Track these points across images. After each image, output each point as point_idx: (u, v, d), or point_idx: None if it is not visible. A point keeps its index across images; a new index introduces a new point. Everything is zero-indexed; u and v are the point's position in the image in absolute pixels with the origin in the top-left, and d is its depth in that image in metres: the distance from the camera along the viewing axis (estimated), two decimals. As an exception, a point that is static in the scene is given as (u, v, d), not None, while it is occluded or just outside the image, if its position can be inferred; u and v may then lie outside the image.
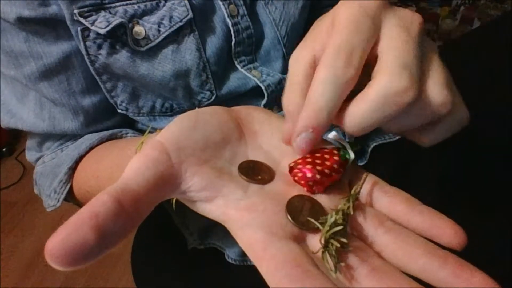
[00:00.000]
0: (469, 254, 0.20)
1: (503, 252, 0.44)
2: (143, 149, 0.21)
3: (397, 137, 0.48)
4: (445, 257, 0.20)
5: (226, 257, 0.50)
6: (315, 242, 0.20)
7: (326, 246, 0.19)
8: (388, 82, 0.20)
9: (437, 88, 0.22)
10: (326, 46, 0.22)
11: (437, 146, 0.25)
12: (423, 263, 0.20)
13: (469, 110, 0.25)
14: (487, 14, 1.43)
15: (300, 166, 0.23)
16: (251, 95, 0.46)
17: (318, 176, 0.23)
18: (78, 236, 0.16)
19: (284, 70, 0.47)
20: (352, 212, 0.21)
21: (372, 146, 0.49)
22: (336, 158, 0.24)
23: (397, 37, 0.22)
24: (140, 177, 0.19)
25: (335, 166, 0.24)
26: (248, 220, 0.20)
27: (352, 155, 0.25)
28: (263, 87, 0.44)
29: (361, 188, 0.23)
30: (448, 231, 0.21)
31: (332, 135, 0.26)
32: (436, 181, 0.51)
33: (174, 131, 0.23)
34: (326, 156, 0.24)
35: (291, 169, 0.24)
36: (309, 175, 0.23)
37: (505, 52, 0.51)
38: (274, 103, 0.46)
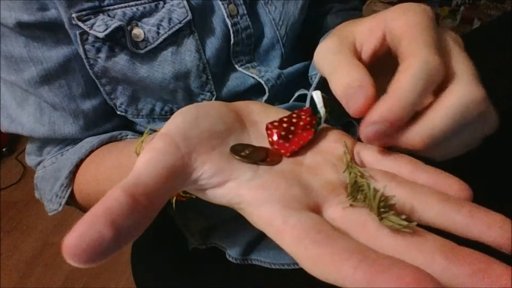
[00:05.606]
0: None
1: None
2: (151, 142, 0.21)
3: None
4: (459, 202, 0.20)
5: (227, 256, 0.50)
6: (331, 213, 0.21)
7: (381, 218, 0.19)
8: (466, 91, 0.21)
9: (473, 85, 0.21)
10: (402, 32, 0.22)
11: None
12: (439, 209, 0.20)
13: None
14: (487, 14, 1.43)
15: (270, 127, 0.25)
16: (251, 93, 0.46)
17: (281, 140, 0.24)
18: (94, 232, 0.16)
19: (281, 68, 0.47)
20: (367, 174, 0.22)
21: None
22: (308, 118, 0.25)
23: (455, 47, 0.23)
24: (151, 170, 0.19)
25: (305, 125, 0.25)
26: (263, 197, 0.21)
27: (321, 113, 0.26)
28: (263, 82, 0.44)
29: (351, 154, 0.24)
30: (454, 186, 0.21)
31: (316, 93, 0.26)
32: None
33: (178, 123, 0.23)
34: (302, 115, 0.25)
35: (266, 127, 0.25)
36: (275, 138, 0.24)
37: (505, 52, 0.51)
38: (275, 99, 0.46)
